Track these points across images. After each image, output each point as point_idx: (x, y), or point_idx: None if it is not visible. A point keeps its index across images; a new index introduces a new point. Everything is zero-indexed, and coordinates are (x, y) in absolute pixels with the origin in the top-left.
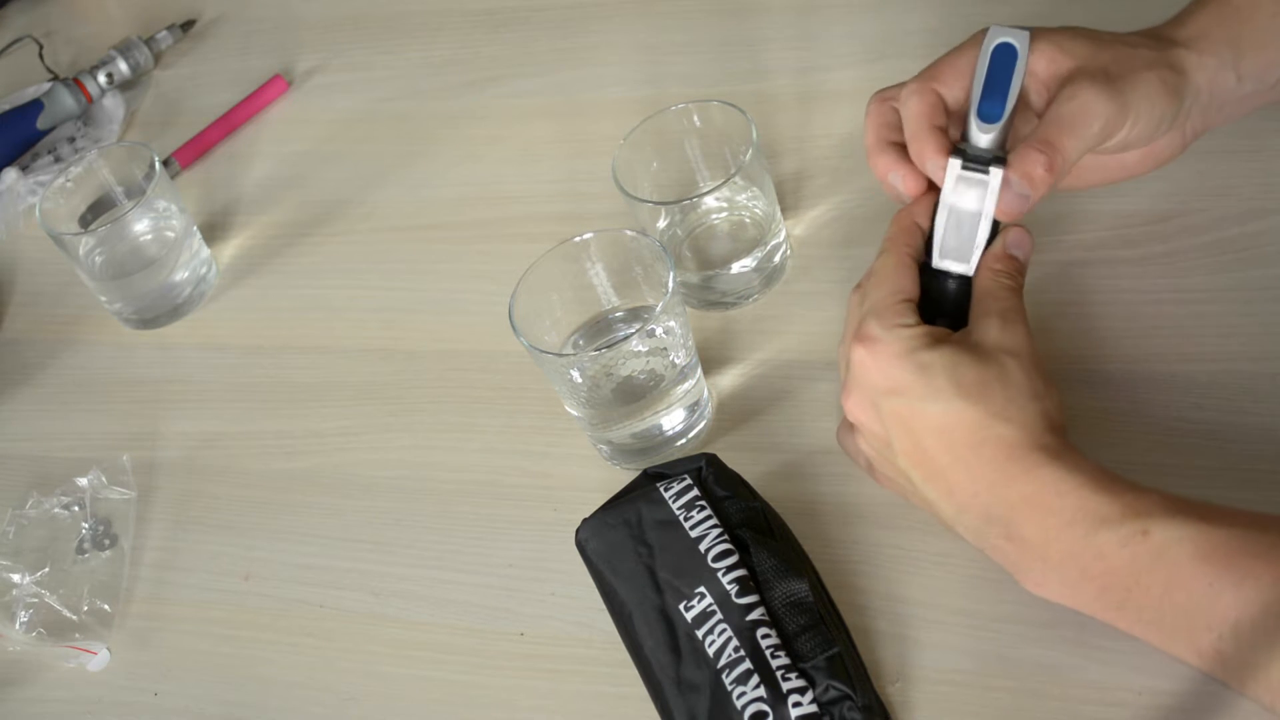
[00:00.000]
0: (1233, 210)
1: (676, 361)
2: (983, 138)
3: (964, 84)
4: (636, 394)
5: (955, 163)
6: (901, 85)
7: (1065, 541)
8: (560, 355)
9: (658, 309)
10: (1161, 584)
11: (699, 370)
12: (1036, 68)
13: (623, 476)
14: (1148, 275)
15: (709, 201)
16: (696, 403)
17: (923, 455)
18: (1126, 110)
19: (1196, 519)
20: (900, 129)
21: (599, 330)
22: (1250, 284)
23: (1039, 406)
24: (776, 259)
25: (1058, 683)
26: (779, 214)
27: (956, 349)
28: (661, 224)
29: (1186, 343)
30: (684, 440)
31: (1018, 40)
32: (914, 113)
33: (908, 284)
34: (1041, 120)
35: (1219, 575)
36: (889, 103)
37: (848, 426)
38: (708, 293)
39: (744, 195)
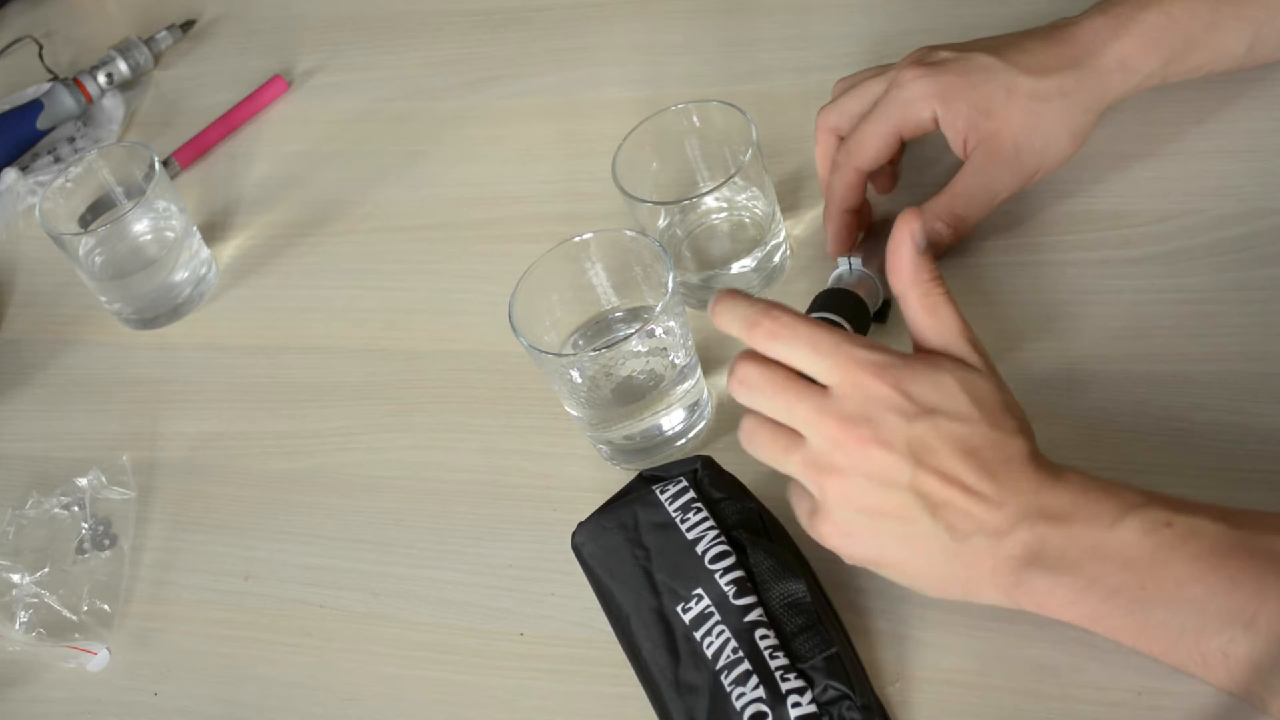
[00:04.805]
0: (1233, 210)
1: (676, 362)
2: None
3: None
4: (636, 394)
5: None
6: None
7: (1088, 532)
8: (560, 355)
9: (657, 309)
10: (1178, 576)
11: (699, 370)
12: (957, 122)
13: (623, 477)
14: (1148, 275)
15: (709, 201)
16: (696, 403)
17: (944, 475)
18: (1033, 172)
19: (1218, 517)
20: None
21: (599, 330)
22: (1250, 284)
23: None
24: (776, 259)
25: (1058, 683)
26: (779, 214)
27: (955, 362)
28: (661, 224)
29: (1186, 343)
30: (684, 440)
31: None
32: (818, 156)
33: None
34: (950, 189)
35: (1240, 569)
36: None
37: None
38: (708, 293)
39: (744, 195)
